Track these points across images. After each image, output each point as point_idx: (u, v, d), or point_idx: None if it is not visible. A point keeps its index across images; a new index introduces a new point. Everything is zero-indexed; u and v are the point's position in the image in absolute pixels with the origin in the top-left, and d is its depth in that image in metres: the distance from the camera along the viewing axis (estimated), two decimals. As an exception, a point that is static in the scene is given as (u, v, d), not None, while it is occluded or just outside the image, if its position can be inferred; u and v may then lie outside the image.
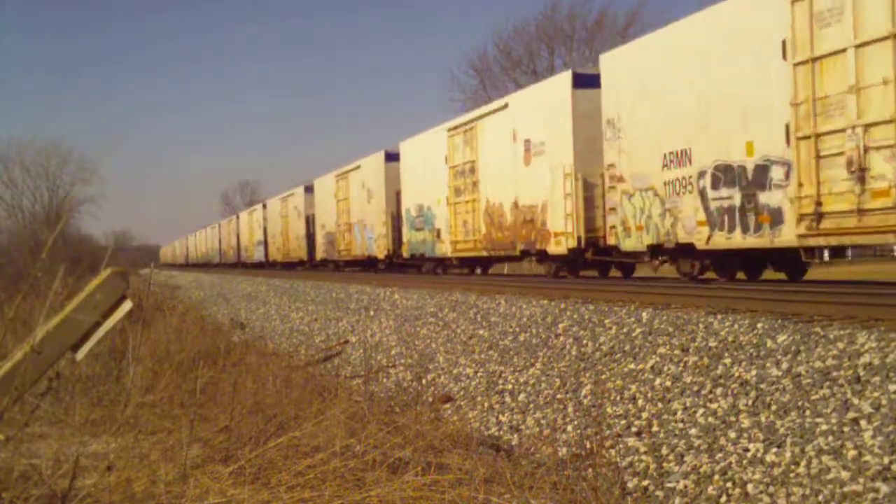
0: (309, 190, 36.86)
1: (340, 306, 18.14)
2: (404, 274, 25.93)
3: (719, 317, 8.54)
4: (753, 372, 6.88)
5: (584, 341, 9.36)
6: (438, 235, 23.10)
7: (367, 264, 30.42)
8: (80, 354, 6.28)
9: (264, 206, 46.02)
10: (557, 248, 16.72)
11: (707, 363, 7.46)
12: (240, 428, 6.61)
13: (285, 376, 9.23)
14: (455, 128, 21.64)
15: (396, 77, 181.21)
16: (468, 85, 48.03)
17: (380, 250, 27.92)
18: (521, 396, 8.68)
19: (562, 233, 16.44)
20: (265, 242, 45.42)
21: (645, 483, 5.98)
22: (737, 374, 6.99)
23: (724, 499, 5.41)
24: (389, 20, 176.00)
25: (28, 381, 5.90)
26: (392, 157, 26.97)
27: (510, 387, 9.07)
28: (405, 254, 25.74)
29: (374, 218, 28.36)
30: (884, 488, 4.78)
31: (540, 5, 63.28)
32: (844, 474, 5.04)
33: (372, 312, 15.91)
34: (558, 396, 8.26)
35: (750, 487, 5.38)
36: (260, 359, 11.24)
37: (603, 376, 8.20)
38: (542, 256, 17.96)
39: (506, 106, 19.07)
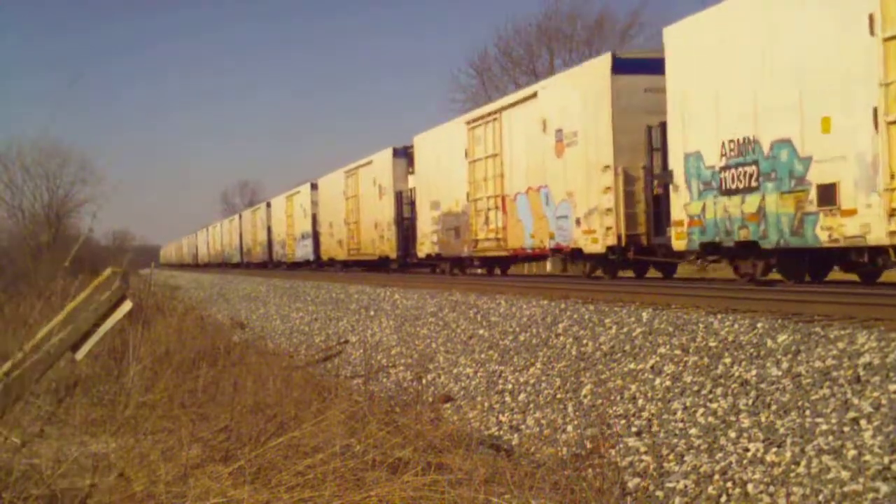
0: (400, 154, 26.48)
1: (340, 306, 18.15)
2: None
3: (719, 317, 8.54)
4: (753, 372, 6.88)
5: (585, 341, 9.36)
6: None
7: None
8: (80, 354, 6.29)
9: (314, 187, 36.70)
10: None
11: (707, 363, 7.46)
12: (240, 428, 6.61)
13: (285, 376, 9.23)
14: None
15: (396, 77, 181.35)
16: (468, 85, 47.96)
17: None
18: (522, 396, 8.68)
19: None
20: (314, 235, 36.38)
21: (645, 483, 5.98)
22: (737, 374, 6.99)
23: (724, 499, 5.41)
24: (390, 20, 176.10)
25: (28, 381, 5.91)
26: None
27: (510, 387, 9.07)
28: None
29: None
30: (884, 488, 4.78)
31: (540, 5, 63.18)
32: (844, 474, 5.04)
33: (372, 312, 15.91)
34: (558, 396, 8.26)
35: (750, 487, 5.38)
36: (260, 359, 11.24)
37: (603, 376, 8.20)
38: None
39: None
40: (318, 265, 36.16)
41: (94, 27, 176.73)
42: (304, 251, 38.05)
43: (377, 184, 27.41)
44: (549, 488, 5.65)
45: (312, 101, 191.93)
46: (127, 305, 6.39)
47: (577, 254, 16.27)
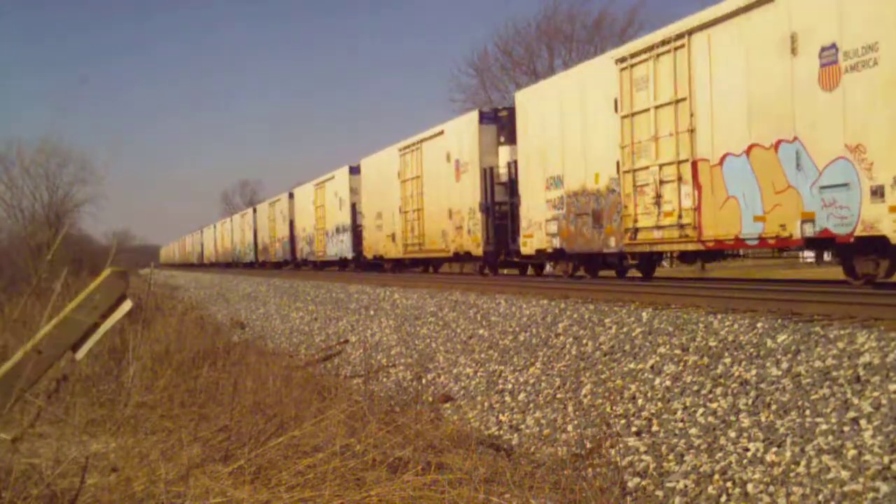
0: (488, 119, 20.69)
1: (340, 306, 18.14)
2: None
3: (719, 316, 8.54)
4: (753, 371, 6.88)
5: (584, 341, 9.35)
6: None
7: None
8: (80, 354, 6.28)
9: (353, 170, 30.66)
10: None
11: (707, 363, 7.46)
12: (240, 427, 6.60)
13: (285, 376, 9.23)
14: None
15: (396, 77, 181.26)
16: (468, 85, 48.03)
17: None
18: (521, 396, 8.68)
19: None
20: (354, 228, 30.62)
21: (645, 483, 5.98)
22: (737, 374, 6.99)
23: (724, 498, 5.41)
24: (389, 20, 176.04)
25: (28, 381, 5.91)
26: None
27: (510, 386, 9.07)
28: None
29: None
30: (884, 488, 4.78)
31: (540, 5, 63.23)
32: (844, 474, 5.04)
33: (372, 312, 15.91)
34: (558, 396, 8.26)
35: (750, 487, 5.38)
36: (260, 358, 11.24)
37: (603, 376, 8.20)
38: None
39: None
40: (359, 265, 30.66)
41: (94, 27, 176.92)
42: (338, 248, 32.46)
43: (452, 159, 21.35)
44: (549, 488, 5.65)
45: (312, 101, 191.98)
46: (127, 305, 6.39)
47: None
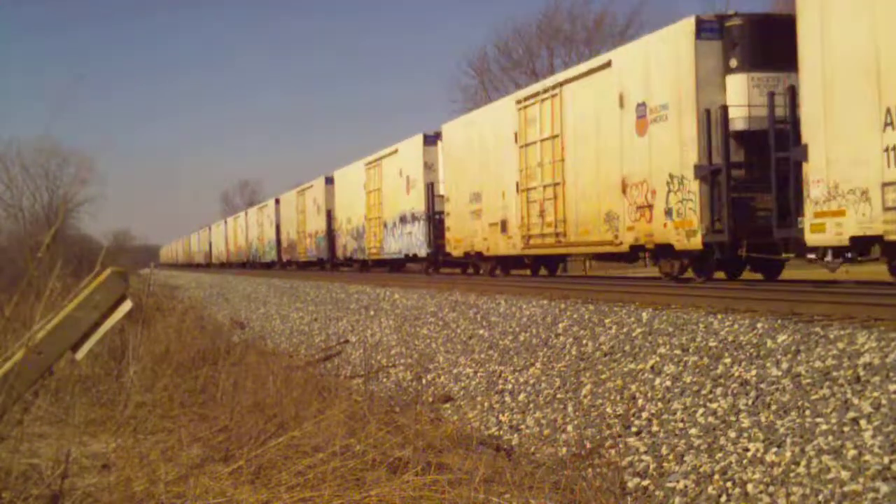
0: (709, 30, 13.02)
1: (340, 306, 18.14)
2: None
3: (719, 317, 8.54)
4: (753, 372, 6.88)
5: (584, 341, 9.36)
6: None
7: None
8: (80, 354, 6.27)
9: (430, 140, 23.43)
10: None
11: (707, 363, 7.46)
12: (240, 428, 6.61)
13: (285, 376, 9.22)
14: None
15: (397, 77, 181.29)
16: (468, 85, 48.01)
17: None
18: (521, 396, 8.68)
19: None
20: (431, 218, 23.10)
21: (645, 483, 5.98)
22: (737, 374, 6.99)
23: (724, 498, 5.42)
24: (389, 20, 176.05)
25: (28, 382, 5.90)
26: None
27: (510, 387, 9.07)
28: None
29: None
30: (884, 488, 4.78)
31: (540, 6, 63.31)
32: (844, 474, 5.04)
33: (372, 312, 15.91)
34: (558, 396, 8.26)
35: (750, 487, 5.38)
36: (260, 358, 11.23)
37: (603, 376, 8.20)
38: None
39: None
40: (435, 264, 23.89)
41: (94, 26, 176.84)
42: (404, 242, 24.76)
43: (623, 99, 14.26)
44: (549, 488, 5.65)
45: (312, 102, 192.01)
46: (127, 305, 6.38)
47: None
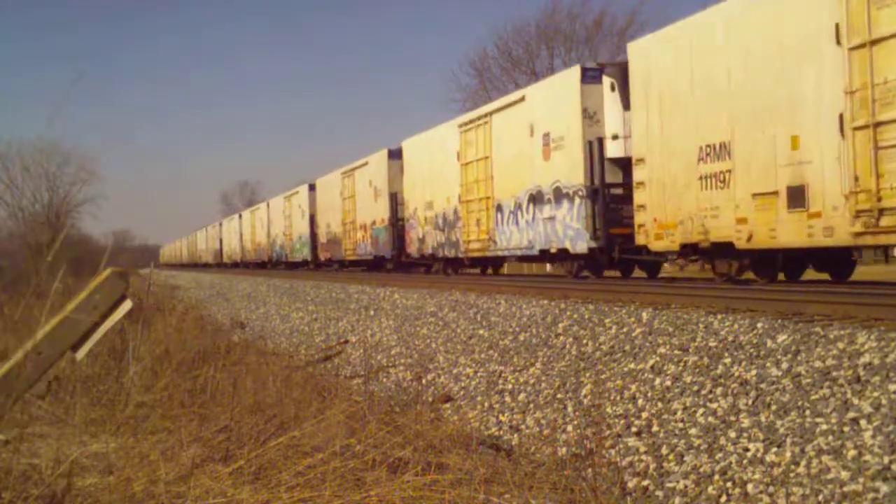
0: None
1: (340, 306, 18.14)
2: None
3: (719, 317, 8.54)
4: (753, 372, 6.88)
5: (584, 341, 9.35)
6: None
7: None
8: (80, 354, 6.28)
9: (589, 77, 15.35)
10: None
11: (707, 363, 7.46)
12: (240, 427, 6.60)
13: (285, 376, 9.23)
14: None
15: (397, 77, 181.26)
16: (468, 85, 48.00)
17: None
18: (521, 396, 8.68)
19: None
20: (590, 194, 15.21)
21: (645, 483, 5.98)
22: (737, 374, 6.99)
23: (724, 499, 5.42)
24: (389, 20, 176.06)
25: (28, 382, 5.91)
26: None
27: (510, 386, 9.07)
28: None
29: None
30: (884, 488, 4.78)
31: (540, 5, 63.32)
32: (844, 474, 5.04)
33: (372, 312, 15.91)
34: (558, 396, 8.26)
35: (750, 487, 5.38)
36: (260, 358, 11.24)
37: (603, 376, 8.20)
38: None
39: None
40: (597, 266, 16.33)
41: (94, 26, 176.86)
42: (535, 233, 17.21)
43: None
44: (549, 488, 5.65)
45: (312, 101, 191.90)
46: (127, 305, 6.39)
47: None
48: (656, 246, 13.49)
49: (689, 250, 13.04)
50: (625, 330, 9.18)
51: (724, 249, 12.23)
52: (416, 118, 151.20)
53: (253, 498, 4.99)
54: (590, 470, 5.98)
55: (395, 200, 25.85)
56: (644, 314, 9.46)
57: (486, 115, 19.50)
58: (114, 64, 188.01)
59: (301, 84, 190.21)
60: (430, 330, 12.74)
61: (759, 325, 7.84)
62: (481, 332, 11.50)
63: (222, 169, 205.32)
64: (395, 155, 25.85)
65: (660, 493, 5.76)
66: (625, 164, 14.64)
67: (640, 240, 13.81)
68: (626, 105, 14.41)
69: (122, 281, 6.37)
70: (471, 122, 20.31)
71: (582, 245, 15.46)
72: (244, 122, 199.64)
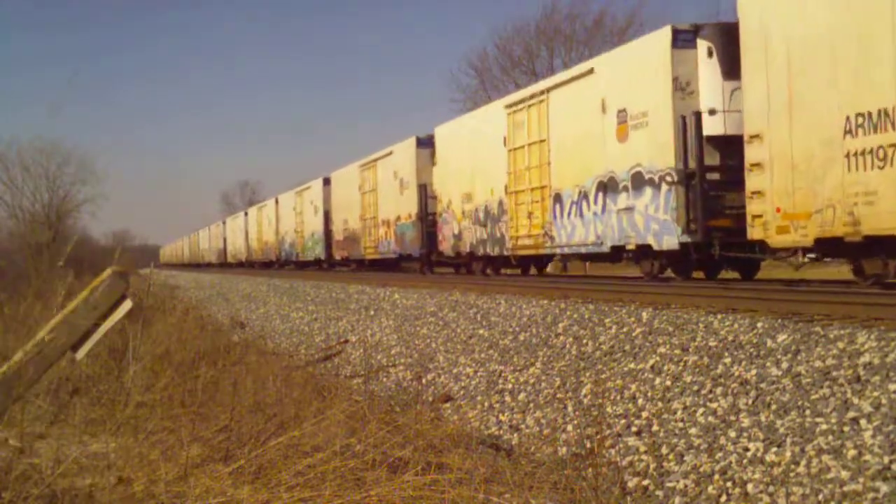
0: None
1: (341, 306, 18.14)
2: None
3: (719, 316, 8.54)
4: (753, 371, 6.88)
5: (584, 341, 9.35)
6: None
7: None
8: (80, 354, 6.29)
9: (678, 41, 12.73)
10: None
11: (707, 363, 7.46)
12: (240, 427, 6.61)
13: (285, 376, 9.23)
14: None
15: (397, 77, 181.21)
16: (468, 85, 47.94)
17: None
18: (521, 396, 8.68)
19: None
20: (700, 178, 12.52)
21: (645, 483, 5.98)
22: (737, 374, 6.99)
23: (724, 498, 5.42)
24: (389, 20, 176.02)
25: (28, 382, 5.91)
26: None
27: (510, 386, 9.07)
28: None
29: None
30: (884, 488, 4.78)
31: (540, 6, 63.26)
32: (844, 474, 5.04)
33: (372, 312, 15.91)
34: (558, 396, 8.26)
35: (750, 487, 5.38)
36: (260, 358, 11.24)
37: (603, 376, 8.20)
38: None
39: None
40: (685, 267, 14.19)
41: (94, 26, 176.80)
42: (637, 223, 14.42)
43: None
44: (549, 488, 5.65)
45: (312, 101, 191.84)
46: (127, 305, 6.39)
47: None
48: (779, 241, 10.74)
49: (829, 246, 10.40)
50: (625, 330, 9.18)
51: (880, 244, 9.74)
52: (416, 118, 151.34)
53: (253, 497, 4.99)
54: (590, 469, 5.97)
55: (425, 193, 23.06)
56: (644, 314, 9.46)
57: (541, 93, 16.75)
58: (113, 64, 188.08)
59: (301, 84, 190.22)
60: (430, 330, 12.75)
61: (759, 324, 7.84)
62: (481, 331, 11.50)
63: (222, 169, 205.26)
64: (425, 143, 23.12)
65: (660, 493, 5.76)
66: (722, 144, 12.35)
67: (754, 234, 11.06)
68: (728, 73, 12.06)
69: (122, 281, 6.37)
70: (521, 101, 17.59)
71: (671, 240, 12.85)
72: (244, 122, 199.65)
